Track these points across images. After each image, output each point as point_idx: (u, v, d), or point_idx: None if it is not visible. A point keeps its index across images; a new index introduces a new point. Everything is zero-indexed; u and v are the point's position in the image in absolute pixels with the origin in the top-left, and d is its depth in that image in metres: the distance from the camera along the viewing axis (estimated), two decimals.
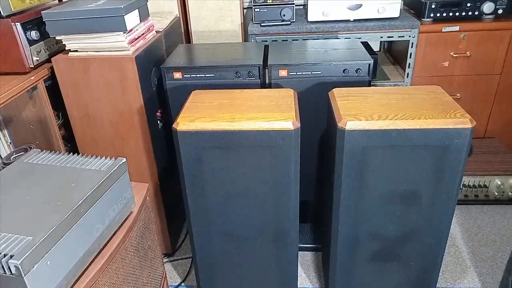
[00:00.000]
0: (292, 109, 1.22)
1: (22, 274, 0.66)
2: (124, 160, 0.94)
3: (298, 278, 1.54)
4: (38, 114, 1.45)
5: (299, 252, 1.78)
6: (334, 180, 1.23)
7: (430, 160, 1.15)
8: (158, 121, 1.61)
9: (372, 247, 1.32)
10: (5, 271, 0.67)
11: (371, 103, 1.22)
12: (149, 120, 1.49)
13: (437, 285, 1.57)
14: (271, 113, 1.19)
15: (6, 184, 0.86)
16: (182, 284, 1.68)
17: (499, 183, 1.93)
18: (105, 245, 0.91)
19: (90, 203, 0.82)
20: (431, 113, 1.13)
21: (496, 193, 1.96)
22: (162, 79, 1.51)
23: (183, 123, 1.17)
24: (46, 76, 1.40)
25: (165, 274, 1.27)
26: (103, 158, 0.95)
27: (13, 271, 0.66)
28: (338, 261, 1.35)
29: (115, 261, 0.92)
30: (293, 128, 1.14)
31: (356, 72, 1.46)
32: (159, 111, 1.61)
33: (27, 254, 0.66)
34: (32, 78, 1.33)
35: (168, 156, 1.75)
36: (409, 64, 2.00)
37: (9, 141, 1.52)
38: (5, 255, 0.66)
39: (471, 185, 1.96)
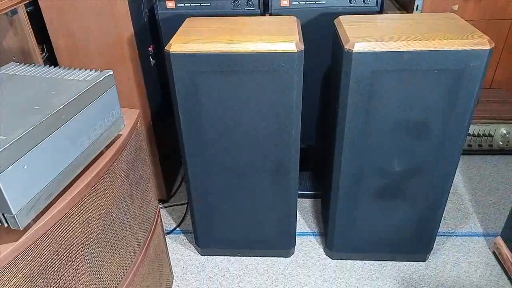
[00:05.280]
0: (295, 32, 1.12)
1: None
2: (111, 72, 0.85)
3: (297, 224, 1.50)
4: (20, 44, 1.33)
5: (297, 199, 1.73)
6: (338, 111, 1.15)
7: (443, 87, 1.07)
8: (151, 58, 1.51)
9: (376, 183, 1.26)
10: None
11: (382, 28, 1.13)
12: (140, 52, 1.39)
13: (438, 231, 1.53)
14: (273, 36, 1.10)
15: None
16: (177, 228, 1.63)
17: (505, 131, 1.87)
18: (92, 163, 0.84)
19: (72, 111, 0.74)
20: (447, 35, 1.04)
21: (501, 143, 1.90)
22: (153, 10, 1.40)
23: (177, 44, 1.07)
24: (27, 1, 1.28)
25: (159, 211, 1.21)
26: (88, 70, 0.86)
27: None
28: (340, 198, 1.29)
29: (103, 182, 0.85)
30: (296, 50, 1.05)
31: (364, 2, 1.35)
32: (151, 46, 1.50)
33: (0, 150, 0.59)
34: None
35: (162, 98, 1.66)
36: (417, 6, 1.89)
37: None
38: None
39: (476, 134, 1.90)
